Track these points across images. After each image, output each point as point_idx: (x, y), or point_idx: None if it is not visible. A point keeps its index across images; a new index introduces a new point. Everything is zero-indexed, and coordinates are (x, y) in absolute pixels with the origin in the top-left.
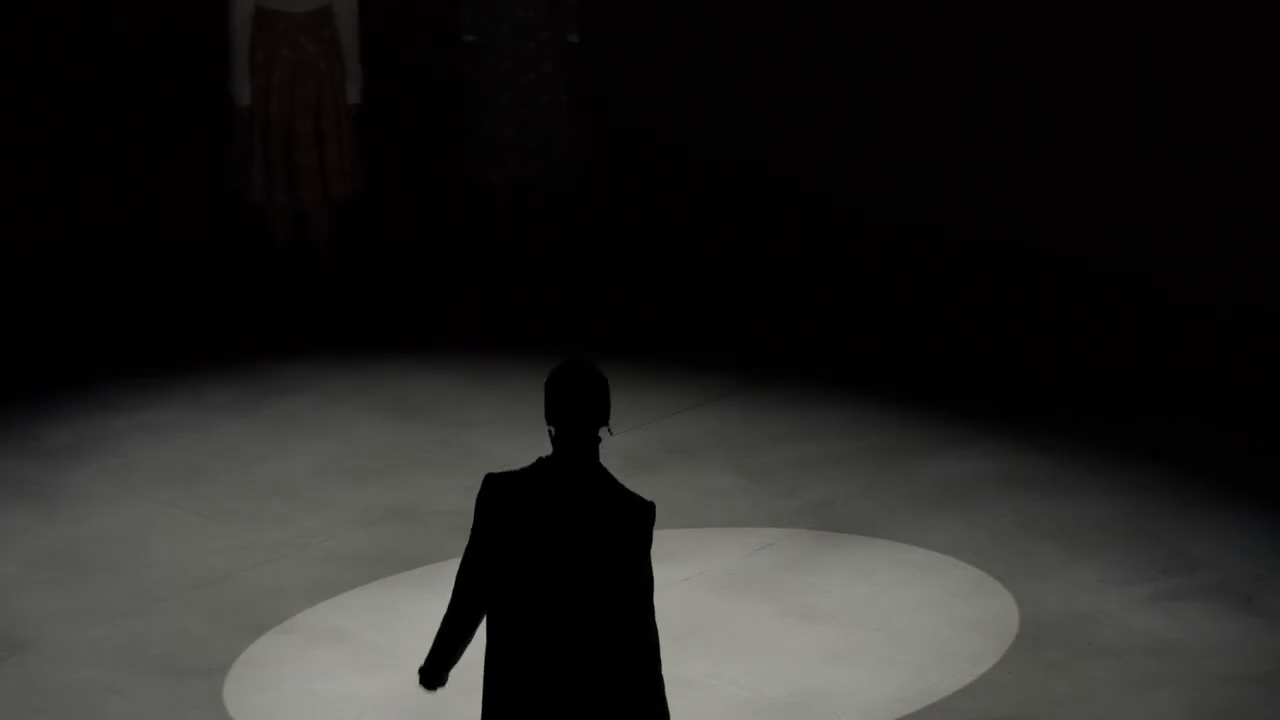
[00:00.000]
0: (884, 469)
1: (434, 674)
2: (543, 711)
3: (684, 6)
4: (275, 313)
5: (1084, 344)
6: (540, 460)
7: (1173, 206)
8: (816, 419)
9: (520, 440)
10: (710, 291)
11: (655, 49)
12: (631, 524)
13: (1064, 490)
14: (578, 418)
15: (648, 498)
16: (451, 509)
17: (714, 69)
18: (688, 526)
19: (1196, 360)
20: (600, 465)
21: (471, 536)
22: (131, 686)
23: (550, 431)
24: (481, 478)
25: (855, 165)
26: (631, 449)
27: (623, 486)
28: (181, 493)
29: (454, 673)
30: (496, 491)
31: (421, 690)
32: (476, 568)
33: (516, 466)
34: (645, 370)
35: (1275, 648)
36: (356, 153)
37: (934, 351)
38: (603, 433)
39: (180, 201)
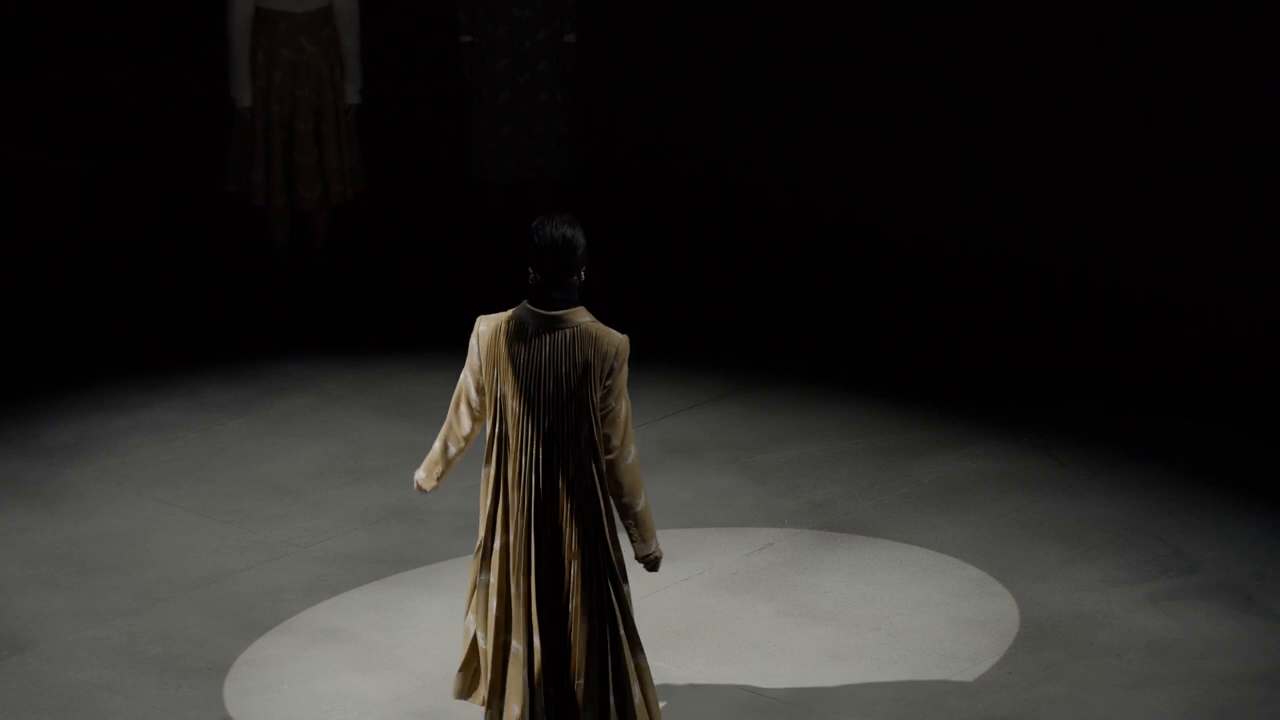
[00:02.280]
0: (884, 469)
1: (425, 471)
2: (528, 512)
3: (683, 6)
4: (275, 313)
5: (1084, 344)
6: (526, 302)
7: (1173, 208)
8: (816, 419)
9: None
10: (711, 291)
11: (654, 48)
12: (605, 354)
13: (1064, 490)
14: (556, 264)
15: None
16: (451, 509)
17: (715, 69)
18: (688, 526)
19: (1196, 361)
20: (579, 304)
21: (466, 366)
22: (131, 686)
23: (532, 279)
24: (481, 476)
25: (856, 168)
26: None
27: (600, 324)
28: (181, 493)
29: (452, 673)
30: (486, 327)
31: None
32: (469, 390)
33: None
34: (645, 370)
35: (1275, 648)
36: (360, 154)
37: (934, 351)
38: (579, 276)
39: (180, 202)
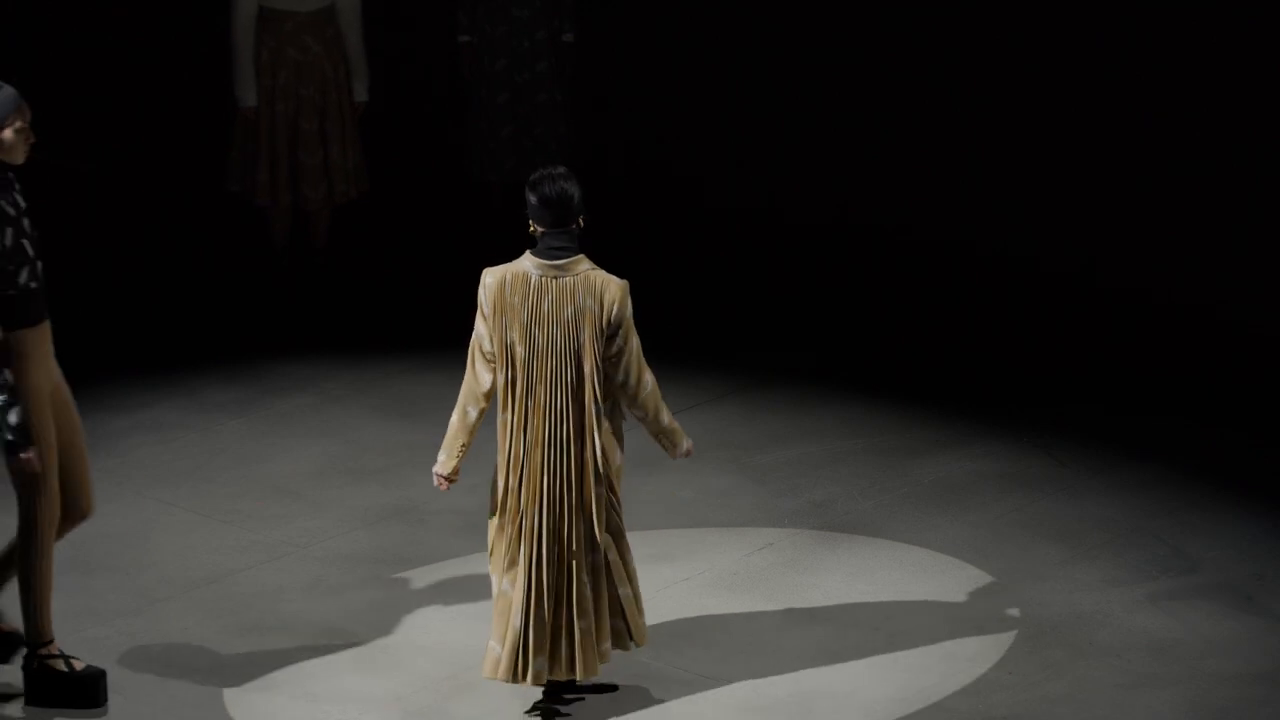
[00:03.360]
0: (884, 469)
1: (445, 457)
2: (539, 458)
3: (683, 6)
4: (275, 313)
5: (1084, 344)
6: (529, 252)
7: (1173, 208)
8: (816, 419)
9: None
10: (711, 291)
11: (654, 48)
12: (605, 300)
13: (1064, 490)
14: (558, 216)
15: (647, 492)
16: (451, 509)
17: (715, 69)
18: (688, 526)
19: (1196, 360)
20: (580, 253)
21: (478, 319)
22: (131, 686)
23: (533, 230)
24: (482, 477)
25: (856, 168)
26: (632, 449)
27: (600, 270)
28: (181, 493)
29: (452, 672)
30: (492, 279)
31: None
32: (482, 341)
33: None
34: None
35: (1275, 648)
36: (362, 153)
37: (934, 351)
38: (578, 225)
39: (180, 202)
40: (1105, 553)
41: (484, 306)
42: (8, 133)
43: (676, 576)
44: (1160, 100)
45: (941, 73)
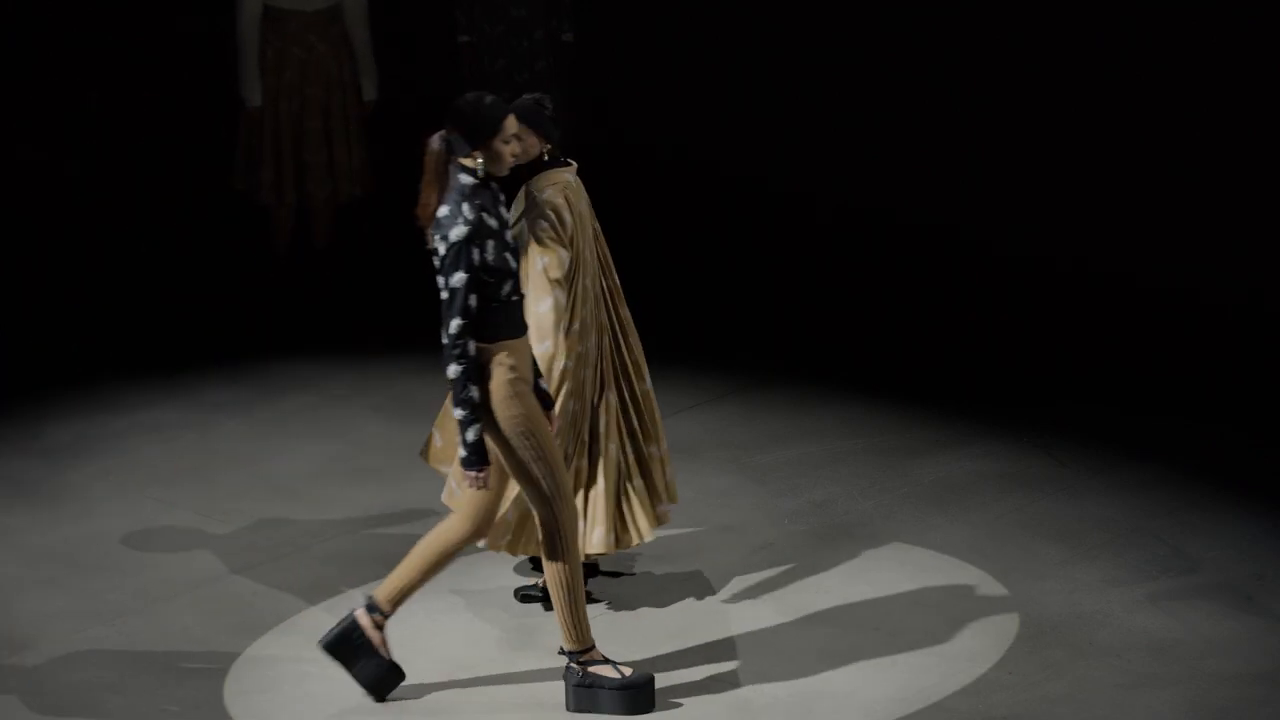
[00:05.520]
0: (884, 469)
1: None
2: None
3: (683, 6)
4: (275, 313)
5: (1084, 344)
6: (551, 167)
7: (1174, 208)
8: (816, 419)
9: None
10: (711, 291)
11: (654, 48)
12: None
13: (1064, 490)
14: (557, 129)
15: None
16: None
17: (715, 69)
18: (688, 526)
19: (1197, 360)
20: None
21: (553, 248)
22: (131, 686)
23: (546, 150)
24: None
25: (855, 168)
26: None
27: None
28: (181, 493)
29: (453, 673)
30: (560, 197)
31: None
32: (566, 268)
33: None
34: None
35: (1275, 648)
36: (366, 152)
37: (934, 351)
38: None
39: (182, 201)
40: (1105, 553)
41: (564, 228)
42: (497, 143)
43: (677, 576)
44: (1162, 98)
45: (941, 72)
